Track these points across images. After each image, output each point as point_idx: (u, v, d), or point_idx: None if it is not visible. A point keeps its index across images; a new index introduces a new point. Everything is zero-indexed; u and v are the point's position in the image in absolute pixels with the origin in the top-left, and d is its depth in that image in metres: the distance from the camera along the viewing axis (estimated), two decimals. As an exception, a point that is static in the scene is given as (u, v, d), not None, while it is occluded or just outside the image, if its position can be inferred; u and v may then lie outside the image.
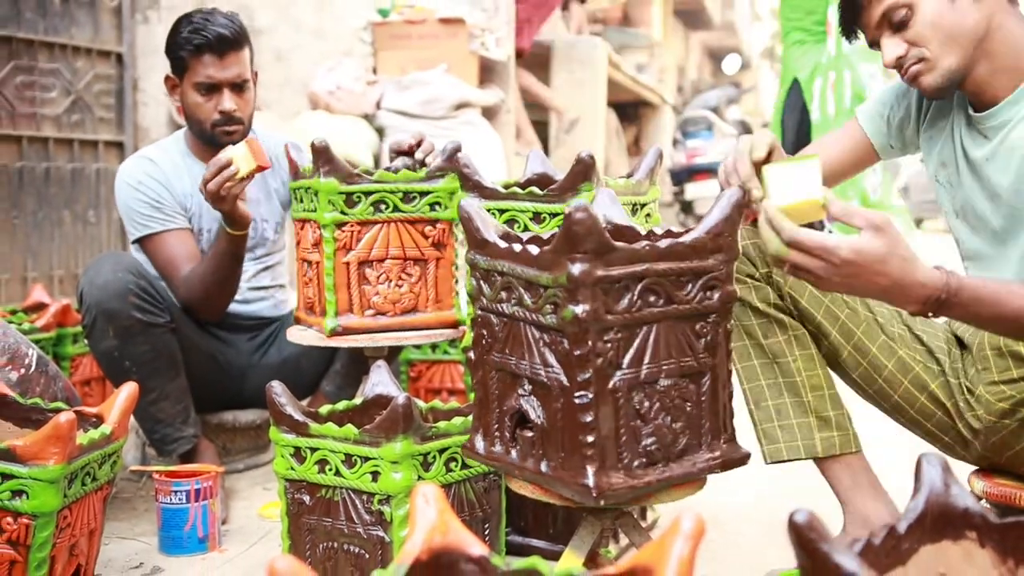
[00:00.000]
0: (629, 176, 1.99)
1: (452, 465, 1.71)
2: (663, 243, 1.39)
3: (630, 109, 8.14)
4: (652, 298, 1.38)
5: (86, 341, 2.36)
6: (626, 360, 1.37)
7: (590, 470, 1.35)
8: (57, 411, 1.80)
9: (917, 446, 1.61)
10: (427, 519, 0.90)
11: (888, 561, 0.99)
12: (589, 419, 1.34)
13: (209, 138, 2.46)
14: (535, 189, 1.87)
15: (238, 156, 2.13)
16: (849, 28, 1.74)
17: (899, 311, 1.83)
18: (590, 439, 1.34)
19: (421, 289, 2.11)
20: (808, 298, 1.78)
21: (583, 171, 1.80)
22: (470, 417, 1.74)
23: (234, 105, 2.42)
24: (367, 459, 1.64)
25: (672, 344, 1.40)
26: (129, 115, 4.34)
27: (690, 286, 1.40)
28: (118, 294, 2.24)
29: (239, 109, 2.43)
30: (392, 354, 2.50)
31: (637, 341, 1.37)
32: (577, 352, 1.33)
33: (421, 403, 1.86)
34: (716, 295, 1.42)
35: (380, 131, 4.33)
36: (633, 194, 1.91)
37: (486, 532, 1.78)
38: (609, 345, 1.34)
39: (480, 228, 1.47)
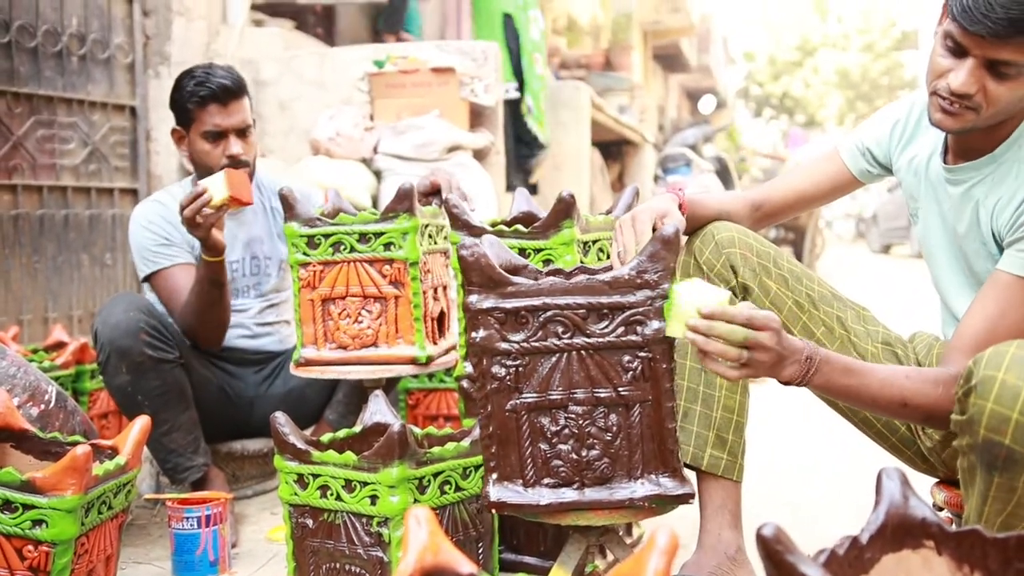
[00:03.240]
0: (608, 213, 2.01)
1: (446, 488, 1.71)
2: (573, 280, 1.41)
3: (613, 148, 8.20)
4: (560, 330, 1.40)
5: (101, 377, 2.36)
6: (528, 385, 1.41)
7: (490, 481, 1.44)
8: (75, 444, 1.79)
9: (879, 462, 1.62)
10: (419, 540, 0.90)
11: (851, 571, 0.99)
12: (486, 434, 1.44)
13: None
14: (520, 227, 1.88)
15: (212, 185, 2.15)
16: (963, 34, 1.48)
17: (875, 330, 1.84)
18: (490, 452, 1.44)
19: (381, 325, 2.08)
20: (787, 314, 1.78)
21: (564, 209, 1.82)
22: (463, 442, 1.75)
23: (240, 149, 2.44)
24: (366, 484, 1.64)
25: (586, 374, 1.41)
26: (143, 164, 4.35)
27: (607, 321, 1.40)
28: (130, 332, 2.24)
29: (244, 152, 2.46)
30: (390, 383, 2.51)
31: (543, 369, 1.41)
32: (476, 373, 1.43)
33: (417, 430, 1.87)
34: (644, 330, 1.40)
35: (378, 174, 4.34)
36: (612, 229, 1.93)
37: (479, 551, 1.77)
38: (505, 370, 1.40)
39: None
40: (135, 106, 4.32)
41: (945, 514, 1.72)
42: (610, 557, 1.95)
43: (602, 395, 1.41)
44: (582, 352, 1.41)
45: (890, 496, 1.03)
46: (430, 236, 2.12)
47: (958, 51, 1.50)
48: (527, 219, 1.98)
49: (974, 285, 1.69)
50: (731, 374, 1.39)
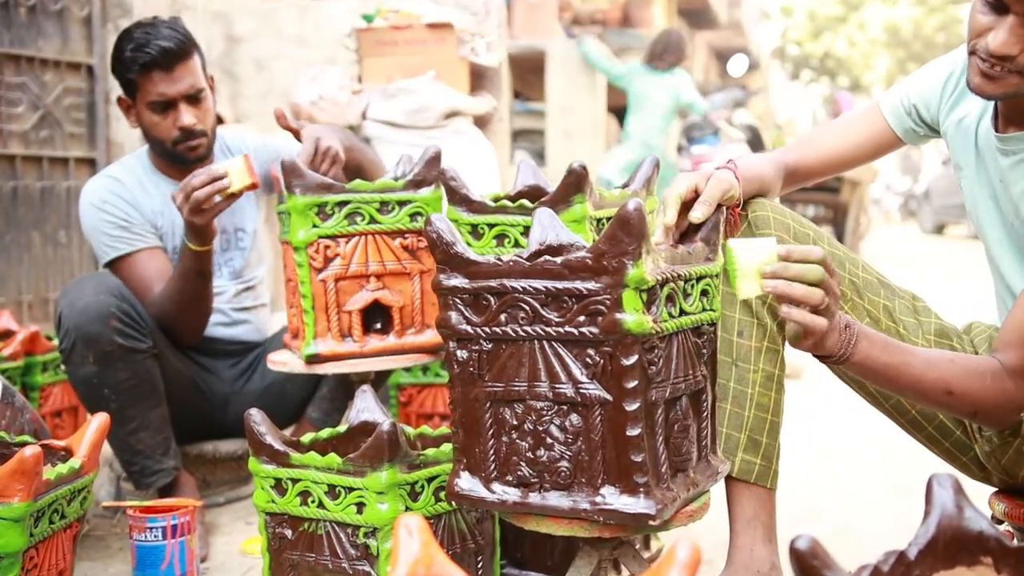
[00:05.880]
0: (625, 186, 2.00)
1: (441, 494, 1.70)
2: (534, 261, 1.40)
3: (632, 114, 8.17)
4: (521, 315, 1.41)
5: (63, 367, 2.36)
6: (491, 373, 1.44)
7: (458, 470, 1.50)
8: (23, 445, 1.80)
9: (928, 468, 1.61)
10: (410, 552, 0.90)
11: (898, 589, 0.99)
12: (454, 421, 1.49)
13: (172, 156, 2.47)
14: (525, 202, 1.88)
15: (234, 170, 2.13)
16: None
17: (927, 321, 1.83)
18: (458, 440, 1.49)
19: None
20: None
21: (575, 182, 1.81)
22: (460, 443, 1.75)
23: (192, 119, 2.42)
24: (351, 490, 1.64)
25: (547, 367, 1.41)
26: (101, 130, 4.35)
27: (566, 309, 1.39)
28: (99, 317, 2.24)
29: (199, 121, 2.44)
30: (380, 378, 2.50)
31: (505, 356, 1.43)
32: (444, 356, 1.51)
33: (409, 429, 1.87)
34: (600, 322, 1.37)
35: (367, 142, 4.34)
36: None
37: (479, 565, 1.77)
38: (468, 354, 1.45)
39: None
40: (92, 65, 4.31)
41: (1005, 527, 1.72)
42: (625, 573, 1.95)
43: (562, 391, 1.40)
44: (543, 342, 1.41)
45: (942, 506, 1.03)
46: (361, 214, 2.09)
47: (999, 7, 1.50)
48: (533, 193, 1.97)
49: None
50: (819, 322, 1.42)
